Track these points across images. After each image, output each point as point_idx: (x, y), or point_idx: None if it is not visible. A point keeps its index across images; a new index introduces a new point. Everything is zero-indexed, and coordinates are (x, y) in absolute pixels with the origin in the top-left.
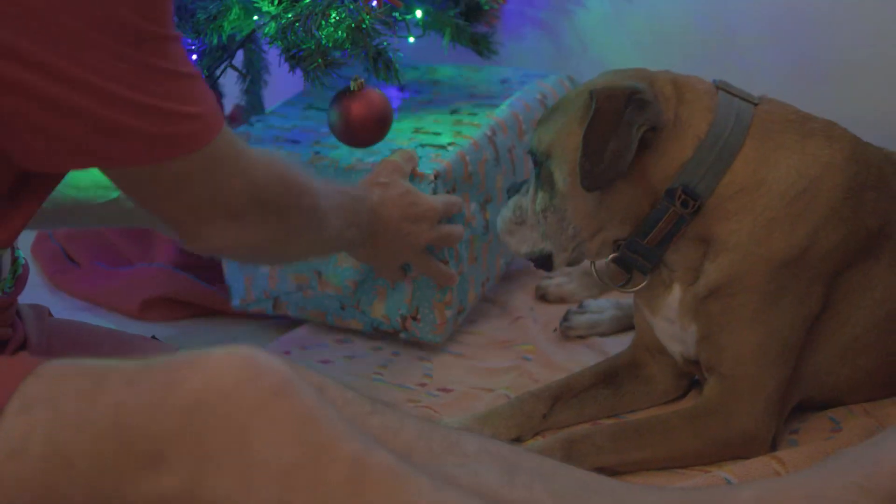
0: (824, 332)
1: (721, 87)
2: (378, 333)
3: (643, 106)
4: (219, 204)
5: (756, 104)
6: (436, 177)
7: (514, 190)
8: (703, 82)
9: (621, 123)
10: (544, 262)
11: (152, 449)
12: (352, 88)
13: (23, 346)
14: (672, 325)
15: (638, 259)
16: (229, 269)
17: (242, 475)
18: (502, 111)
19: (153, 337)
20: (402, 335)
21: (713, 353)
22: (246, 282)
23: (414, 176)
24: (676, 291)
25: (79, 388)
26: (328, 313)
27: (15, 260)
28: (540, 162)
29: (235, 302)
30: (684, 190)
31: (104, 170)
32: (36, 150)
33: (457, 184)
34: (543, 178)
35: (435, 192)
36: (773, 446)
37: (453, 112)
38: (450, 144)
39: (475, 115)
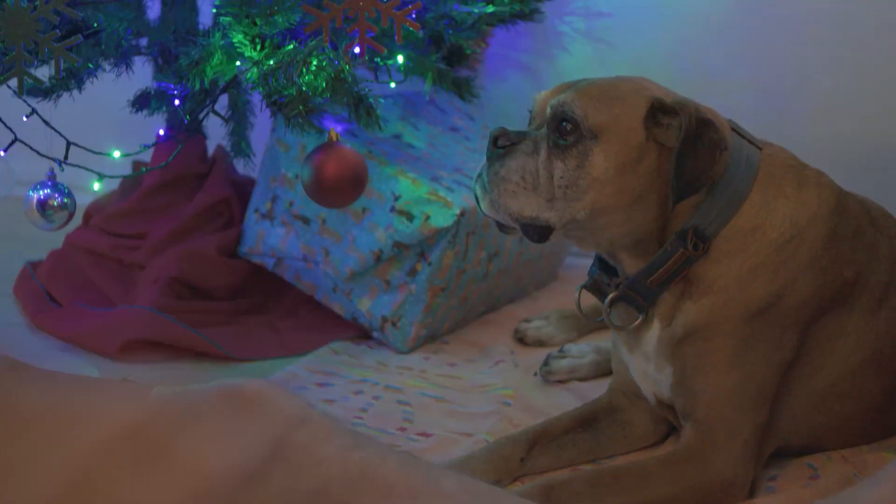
0: (799, 379)
1: (732, 127)
2: (353, 325)
3: (715, 128)
4: None
5: (760, 148)
6: (462, 214)
7: (507, 140)
8: (722, 119)
9: (699, 143)
10: (541, 233)
11: None
12: (329, 139)
13: None
14: (648, 362)
15: (637, 298)
16: (248, 217)
17: None
18: None
19: (124, 379)
20: (375, 334)
21: (688, 397)
22: (259, 234)
23: (444, 205)
24: (656, 328)
25: None
26: (319, 289)
27: None
28: (581, 136)
29: (243, 249)
30: (695, 232)
31: None
32: None
33: (477, 228)
34: (575, 152)
35: (458, 227)
36: (752, 493)
37: None
38: None
39: None
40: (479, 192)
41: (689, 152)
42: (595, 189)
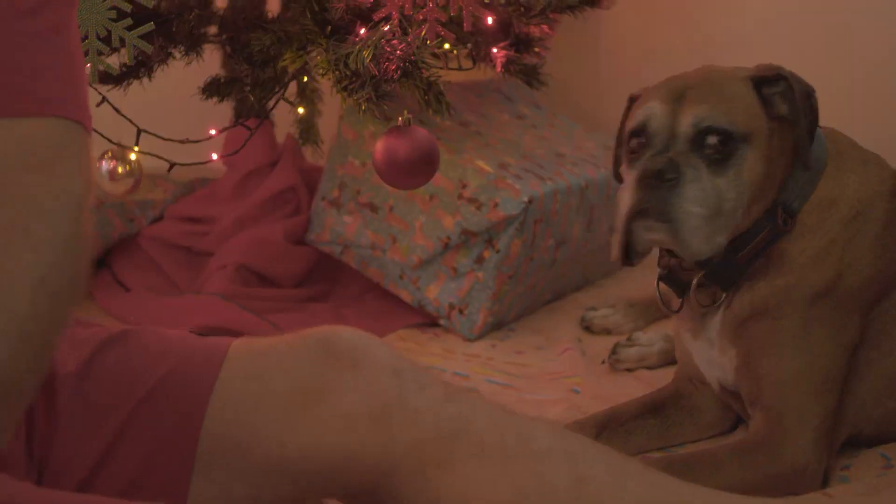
0: (867, 364)
1: None
2: (420, 312)
3: (799, 79)
4: None
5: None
6: (530, 201)
7: (674, 172)
8: None
9: (809, 97)
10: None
11: None
12: (400, 123)
13: None
14: (712, 347)
15: (723, 276)
16: (316, 204)
17: None
18: (601, 173)
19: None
20: (442, 321)
21: (753, 382)
22: (326, 222)
23: (512, 192)
24: (720, 310)
25: None
26: (386, 277)
27: None
28: (736, 145)
29: (310, 236)
30: (784, 208)
31: None
32: None
33: (545, 215)
34: (733, 162)
35: (526, 214)
36: (825, 482)
37: (559, 154)
38: (549, 179)
39: (577, 164)
40: (646, 232)
41: (808, 108)
42: (752, 191)
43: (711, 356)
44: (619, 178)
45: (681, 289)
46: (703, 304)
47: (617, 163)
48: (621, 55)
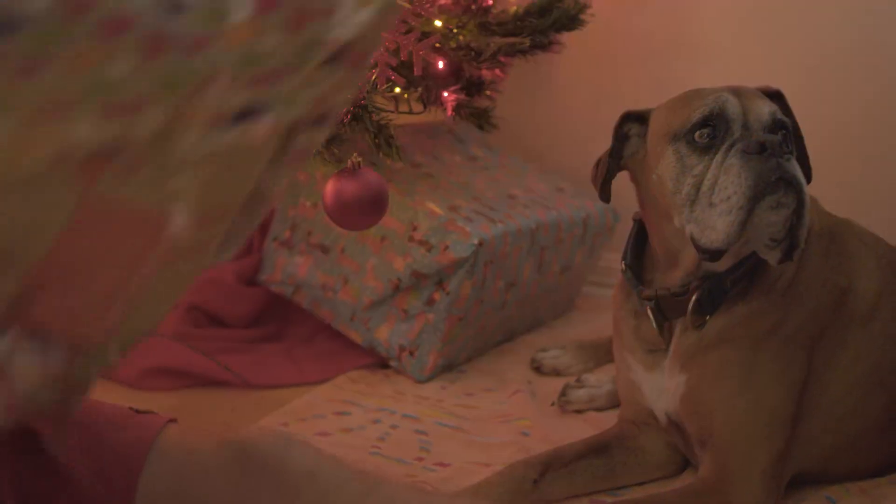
0: (810, 400)
1: None
2: (371, 353)
3: None
4: None
5: None
6: (480, 244)
7: (775, 146)
8: None
9: None
10: None
11: None
12: (349, 166)
13: None
14: (661, 375)
15: (713, 299)
16: (267, 245)
17: None
18: (552, 215)
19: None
20: (392, 363)
21: (702, 418)
22: (277, 263)
23: (462, 235)
24: (676, 335)
25: None
26: (337, 318)
27: None
28: (790, 143)
29: (261, 277)
30: None
31: None
32: None
33: (495, 258)
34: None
35: (476, 257)
36: None
37: (510, 196)
38: (499, 221)
39: (528, 206)
40: (770, 212)
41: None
42: None
43: (661, 383)
44: (606, 196)
45: (662, 319)
46: (696, 325)
47: (608, 177)
48: (572, 98)
